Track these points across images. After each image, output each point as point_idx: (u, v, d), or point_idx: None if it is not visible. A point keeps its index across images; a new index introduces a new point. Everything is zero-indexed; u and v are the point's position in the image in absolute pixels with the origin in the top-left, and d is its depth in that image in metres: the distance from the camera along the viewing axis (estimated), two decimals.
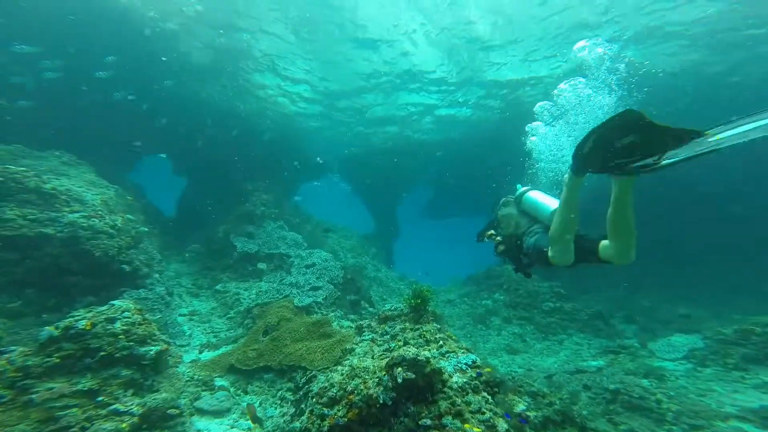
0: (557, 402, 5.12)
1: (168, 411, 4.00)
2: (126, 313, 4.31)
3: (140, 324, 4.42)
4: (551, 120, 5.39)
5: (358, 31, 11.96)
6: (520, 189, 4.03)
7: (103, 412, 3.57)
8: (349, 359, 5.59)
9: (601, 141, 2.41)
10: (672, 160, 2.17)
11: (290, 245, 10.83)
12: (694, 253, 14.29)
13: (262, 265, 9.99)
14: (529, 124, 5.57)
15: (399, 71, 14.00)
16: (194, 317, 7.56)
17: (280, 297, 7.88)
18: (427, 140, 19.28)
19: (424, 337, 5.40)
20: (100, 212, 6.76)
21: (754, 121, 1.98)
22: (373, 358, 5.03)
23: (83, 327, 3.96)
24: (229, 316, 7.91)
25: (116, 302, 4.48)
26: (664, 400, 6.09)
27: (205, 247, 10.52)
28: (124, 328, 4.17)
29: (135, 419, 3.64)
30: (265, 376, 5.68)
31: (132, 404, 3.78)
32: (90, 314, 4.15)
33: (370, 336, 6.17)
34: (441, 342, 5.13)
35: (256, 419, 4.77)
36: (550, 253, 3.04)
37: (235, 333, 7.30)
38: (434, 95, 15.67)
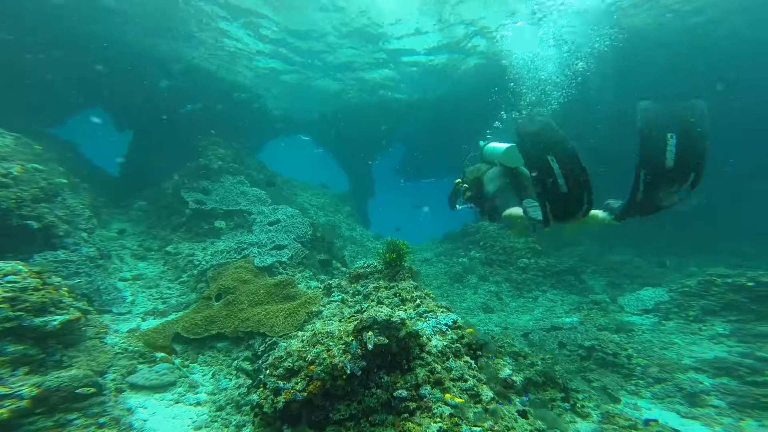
0: (539, 363, 4.77)
1: (79, 390, 3.18)
2: (11, 276, 3.29)
3: (37, 289, 3.42)
4: None
5: None
6: (481, 144, 4.48)
7: None
8: (314, 323, 4.93)
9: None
10: None
11: (252, 201, 9.73)
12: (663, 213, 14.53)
13: (219, 223, 8.91)
14: None
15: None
16: (138, 282, 6.56)
17: (238, 257, 6.97)
18: (401, 98, 17.92)
19: (400, 295, 4.78)
20: None
21: None
22: (341, 321, 4.36)
23: None
24: (182, 280, 6.97)
25: None
26: (634, 356, 6.01)
27: (153, 204, 9.21)
28: (8, 295, 3.17)
29: (23, 403, 2.80)
30: (219, 345, 4.94)
31: (22, 386, 2.91)
32: None
33: (340, 296, 5.51)
34: (418, 301, 4.53)
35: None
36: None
37: (187, 298, 6.42)
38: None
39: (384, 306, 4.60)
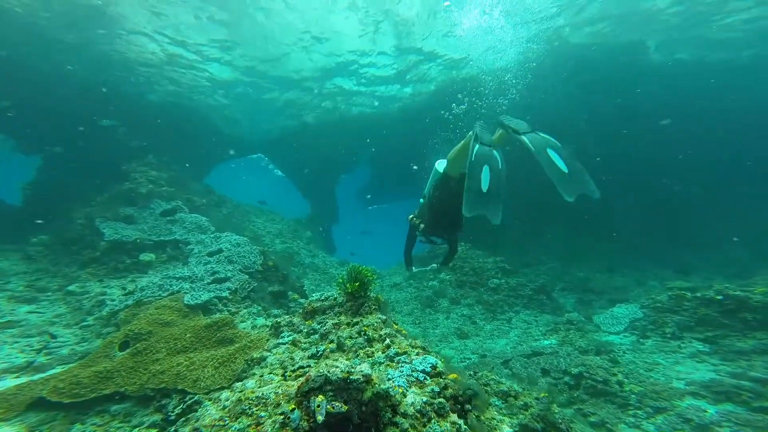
0: (533, 403, 3.98)
1: None
2: None
3: None
4: None
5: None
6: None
7: None
8: (254, 372, 3.79)
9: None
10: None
11: (189, 230, 8.37)
12: (619, 226, 15.11)
13: (146, 256, 7.44)
14: None
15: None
16: (9, 330, 4.93)
17: (165, 294, 5.62)
18: (364, 115, 17.58)
19: (365, 334, 3.83)
20: None
21: None
22: (285, 374, 3.29)
23: None
24: (86, 323, 5.43)
25: None
26: (625, 382, 5.46)
27: (58, 237, 7.52)
28: None
29: None
30: (114, 409, 3.58)
31: None
32: None
33: (291, 337, 4.41)
34: (388, 340, 3.61)
35: None
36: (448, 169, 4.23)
37: (88, 347, 4.93)
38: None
39: (342, 354, 3.61)
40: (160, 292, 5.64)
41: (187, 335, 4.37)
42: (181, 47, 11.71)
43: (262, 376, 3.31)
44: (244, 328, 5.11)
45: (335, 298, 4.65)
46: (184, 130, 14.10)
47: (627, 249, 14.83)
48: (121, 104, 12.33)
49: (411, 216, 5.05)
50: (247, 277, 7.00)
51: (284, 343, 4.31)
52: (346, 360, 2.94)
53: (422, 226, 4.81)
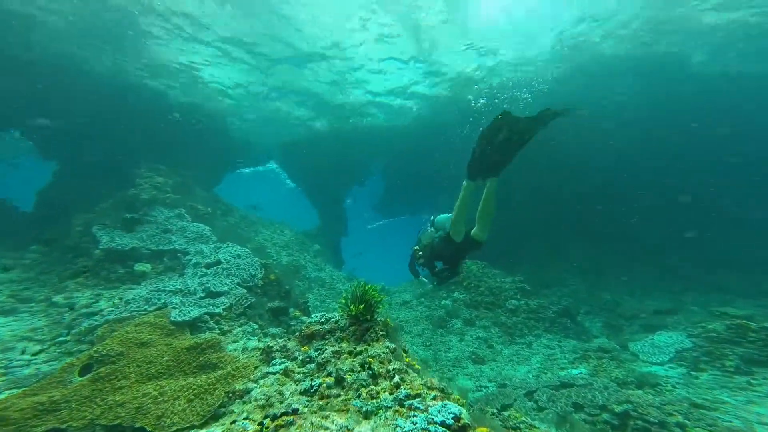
0: None
1: None
2: None
3: None
4: None
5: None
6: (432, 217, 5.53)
7: None
8: (233, 408, 3.16)
9: (484, 143, 3.63)
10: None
11: (190, 239, 7.93)
12: (649, 245, 14.05)
13: (143, 266, 6.99)
14: None
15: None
16: None
17: (152, 309, 5.09)
18: (377, 126, 17.26)
19: (370, 367, 3.17)
20: None
21: None
22: (263, 423, 2.64)
23: None
24: (61, 339, 4.92)
25: None
26: (687, 425, 4.57)
27: (56, 245, 7.19)
28: None
29: None
30: None
31: None
32: None
33: (283, 365, 3.78)
34: (397, 378, 2.95)
35: None
36: (451, 232, 4.73)
37: (58, 365, 4.38)
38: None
39: (341, 393, 2.95)
40: (146, 306, 5.12)
41: (165, 358, 3.80)
42: (199, 44, 11.54)
43: (234, 422, 2.68)
44: (233, 351, 4.51)
45: (337, 321, 4.01)
46: (196, 135, 13.98)
47: (656, 269, 13.71)
48: (139, 108, 12.26)
49: (415, 247, 5.70)
50: (245, 291, 6.44)
51: (275, 373, 3.68)
52: (342, 416, 2.30)
53: (422, 260, 5.50)
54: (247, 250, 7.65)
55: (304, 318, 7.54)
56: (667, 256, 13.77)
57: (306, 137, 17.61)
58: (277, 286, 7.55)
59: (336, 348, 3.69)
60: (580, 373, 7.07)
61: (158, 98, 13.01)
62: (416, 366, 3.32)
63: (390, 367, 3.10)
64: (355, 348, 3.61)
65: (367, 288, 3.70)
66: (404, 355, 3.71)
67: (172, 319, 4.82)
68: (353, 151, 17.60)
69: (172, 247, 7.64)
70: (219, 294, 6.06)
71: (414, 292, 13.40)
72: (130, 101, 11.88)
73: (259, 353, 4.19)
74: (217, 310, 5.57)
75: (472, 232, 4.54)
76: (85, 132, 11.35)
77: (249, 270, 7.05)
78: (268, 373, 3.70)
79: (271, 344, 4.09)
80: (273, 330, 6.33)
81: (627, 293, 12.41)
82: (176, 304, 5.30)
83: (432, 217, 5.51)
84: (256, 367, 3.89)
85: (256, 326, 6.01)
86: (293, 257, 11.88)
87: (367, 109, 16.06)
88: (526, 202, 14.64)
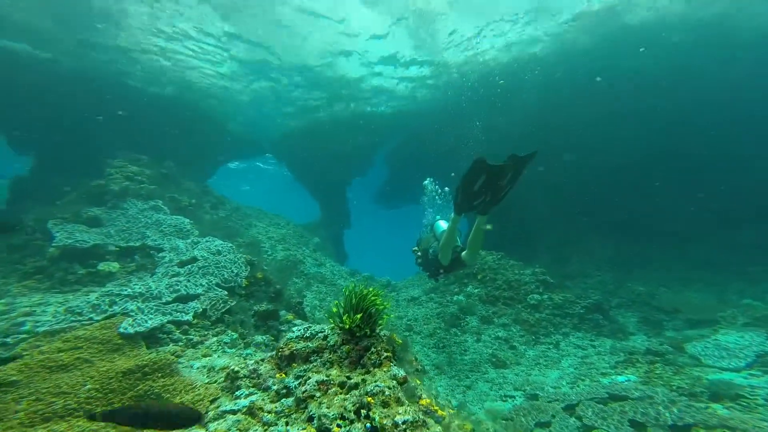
0: None
1: None
2: None
3: None
4: None
5: None
6: (435, 219, 6.05)
7: None
8: None
9: (466, 187, 3.89)
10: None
11: (167, 234, 6.89)
12: (682, 232, 12.67)
13: (107, 265, 5.98)
14: None
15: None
16: None
17: (99, 318, 4.05)
18: (381, 113, 16.01)
19: (369, 414, 2.07)
20: None
21: None
22: None
23: None
24: None
25: None
26: None
27: (5, 242, 6.19)
28: None
29: None
30: None
31: None
32: None
33: (248, 401, 2.70)
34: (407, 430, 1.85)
35: None
36: (439, 256, 5.19)
37: None
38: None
39: None
40: (92, 315, 4.08)
41: (86, 387, 2.74)
42: (185, 38, 10.61)
43: None
44: (196, 372, 3.45)
45: (326, 336, 2.92)
46: (185, 125, 12.95)
47: (690, 258, 12.36)
48: (121, 98, 11.34)
49: (414, 248, 6.35)
50: (224, 293, 5.40)
51: (235, 411, 2.60)
52: None
53: (419, 261, 6.11)
54: (229, 245, 6.59)
55: (298, 322, 6.50)
56: (701, 244, 12.40)
57: (306, 126, 16.47)
58: (266, 285, 6.49)
59: (323, 376, 2.59)
60: (629, 381, 5.92)
61: (144, 85, 11.99)
62: (439, 411, 2.20)
63: (399, 416, 1.99)
64: (348, 377, 2.51)
65: (365, 293, 2.59)
66: (419, 386, 2.60)
67: (120, 330, 3.76)
68: (355, 137, 16.41)
69: (144, 242, 6.61)
70: (191, 297, 5.01)
71: (423, 287, 12.29)
72: (104, 90, 10.88)
73: (222, 379, 3.12)
74: (185, 317, 4.53)
75: (462, 254, 5.00)
76: (57, 123, 10.37)
77: (231, 268, 6.00)
78: (225, 412, 2.63)
79: (237, 369, 3.00)
80: (258, 338, 5.28)
81: (661, 284, 11.13)
82: (133, 311, 4.25)
83: (433, 221, 5.98)
84: (213, 401, 2.83)
85: (235, 335, 4.96)
86: (290, 252, 10.82)
87: (369, 93, 14.84)
88: (542, 186, 13.36)
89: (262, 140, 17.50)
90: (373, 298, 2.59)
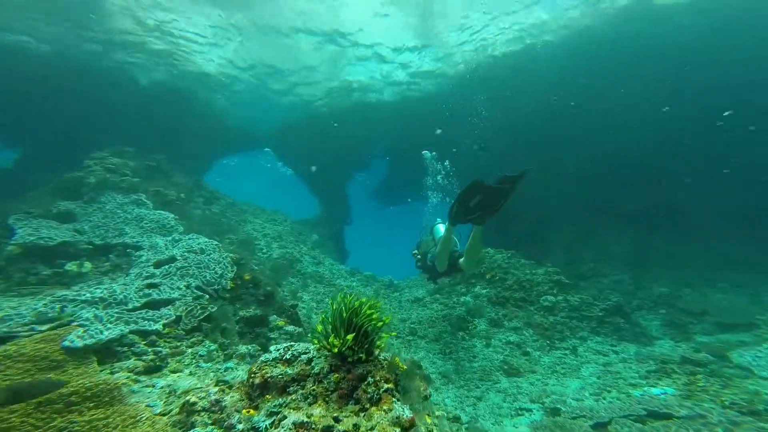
0: None
1: None
2: None
3: None
4: None
5: None
6: (435, 222, 6.12)
7: None
8: None
9: (461, 204, 4.13)
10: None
11: (147, 230, 6.26)
12: (706, 228, 11.85)
13: (80, 266, 5.36)
14: None
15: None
16: None
17: (45, 328, 3.41)
18: (384, 102, 15.29)
19: None
20: None
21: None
22: None
23: None
24: None
25: None
26: None
27: None
28: None
29: None
30: None
31: None
32: None
33: None
34: None
35: None
36: (436, 263, 5.29)
37: None
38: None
39: None
40: (36, 324, 3.43)
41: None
42: (176, 30, 9.98)
43: None
44: (152, 397, 2.78)
45: (310, 360, 2.25)
46: (179, 117, 12.34)
47: (715, 257, 11.56)
48: (107, 88, 10.75)
49: (414, 251, 6.47)
50: (204, 297, 4.74)
51: None
52: None
53: (419, 264, 6.23)
54: (214, 243, 5.94)
55: (290, 328, 5.83)
56: (725, 240, 11.60)
57: (305, 118, 15.79)
58: (255, 288, 5.83)
59: (302, 416, 1.91)
60: (665, 394, 5.22)
61: (128, 75, 11.39)
62: None
63: None
64: (336, 419, 1.83)
65: (358, 305, 1.91)
66: (429, 425, 1.91)
67: (65, 344, 3.11)
68: (356, 131, 15.70)
69: (122, 240, 5.98)
70: (164, 302, 4.36)
71: (427, 287, 11.60)
72: (91, 79, 10.28)
73: (174, 412, 2.46)
74: (154, 326, 3.87)
75: (460, 261, 5.08)
76: (45, 115, 9.79)
77: (215, 268, 5.34)
78: None
79: (194, 399, 2.34)
80: (242, 348, 4.63)
81: (684, 284, 10.37)
82: (89, 320, 3.60)
83: (433, 224, 6.05)
84: None
85: (214, 346, 4.31)
86: (286, 250, 10.17)
87: (371, 85, 14.14)
88: (552, 180, 12.61)
89: (259, 132, 16.87)
90: (368, 311, 1.92)
